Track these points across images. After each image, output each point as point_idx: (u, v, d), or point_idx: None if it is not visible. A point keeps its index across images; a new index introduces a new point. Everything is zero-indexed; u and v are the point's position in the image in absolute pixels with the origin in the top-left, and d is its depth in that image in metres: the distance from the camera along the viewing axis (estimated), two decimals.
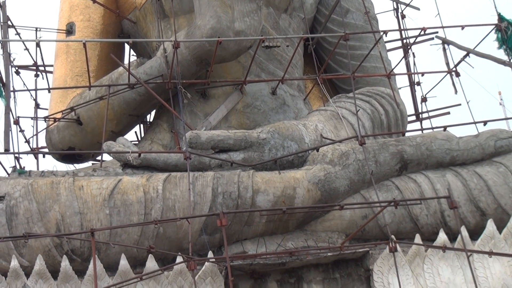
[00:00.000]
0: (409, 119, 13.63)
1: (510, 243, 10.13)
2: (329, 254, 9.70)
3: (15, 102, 12.07)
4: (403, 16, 14.93)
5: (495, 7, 12.42)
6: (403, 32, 14.39)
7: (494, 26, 12.29)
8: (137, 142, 13.73)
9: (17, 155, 11.25)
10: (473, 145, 11.16)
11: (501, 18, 12.31)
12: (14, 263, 8.97)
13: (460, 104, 13.13)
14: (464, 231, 9.84)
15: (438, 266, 9.82)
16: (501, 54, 12.32)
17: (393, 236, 9.64)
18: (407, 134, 12.09)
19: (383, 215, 10.05)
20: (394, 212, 10.35)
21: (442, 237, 9.91)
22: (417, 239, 9.89)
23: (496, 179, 10.67)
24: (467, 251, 9.45)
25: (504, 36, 12.24)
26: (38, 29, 14.35)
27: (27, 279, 8.98)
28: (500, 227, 10.24)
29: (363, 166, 10.47)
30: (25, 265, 9.09)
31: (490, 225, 10.16)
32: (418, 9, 14.72)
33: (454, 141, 11.18)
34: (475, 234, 10.18)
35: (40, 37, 14.20)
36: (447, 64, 13.02)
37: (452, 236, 10.05)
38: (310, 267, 9.93)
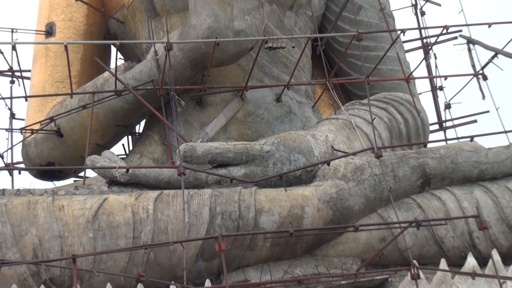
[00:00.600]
0: (431, 128, 13.67)
1: None
2: (342, 282, 9.60)
3: None
4: (423, 13, 15.02)
5: None
6: (423, 30, 14.39)
7: None
8: (124, 156, 13.77)
9: None
10: (504, 157, 11.11)
11: None
12: None
13: (488, 111, 13.21)
14: (495, 255, 9.69)
15: None
16: None
17: (415, 261, 9.50)
18: (429, 145, 12.00)
19: (404, 237, 9.95)
20: (416, 234, 10.29)
21: (471, 262, 9.77)
22: (443, 264, 9.77)
23: None
24: (500, 278, 9.29)
25: None
26: (14, 30, 14.38)
27: None
28: None
29: (380, 182, 10.43)
30: None
31: None
32: (440, 5, 14.86)
33: (483, 152, 11.13)
34: (508, 258, 10.12)
35: (16, 39, 14.20)
36: (473, 66, 13.01)
37: (482, 260, 9.95)
38: None
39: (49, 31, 14.01)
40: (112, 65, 14.11)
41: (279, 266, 10.08)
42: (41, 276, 9.19)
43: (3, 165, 13.04)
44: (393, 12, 14.89)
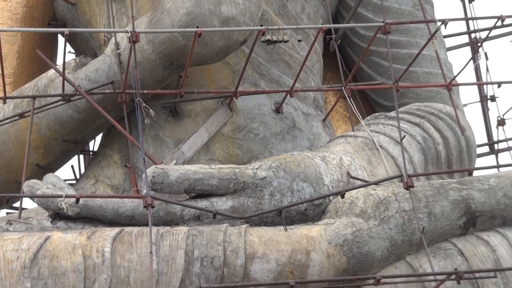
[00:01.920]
0: (480, 150, 13.78)
1: None
2: None
3: None
4: (471, 0, 15.12)
5: None
6: (470, 22, 14.67)
7: None
8: (74, 182, 13.79)
9: None
10: None
11: None
12: None
13: None
14: None
15: None
16: None
17: None
18: (476, 172, 12.02)
19: None
20: None
21: None
22: None
23: None
24: None
25: None
26: None
27: None
28: None
29: (410, 221, 10.48)
30: None
31: None
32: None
33: None
34: None
35: None
36: None
37: None
38: None
39: None
40: (60, 61, 14.29)
41: None
42: None
43: None
44: None
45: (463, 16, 14.89)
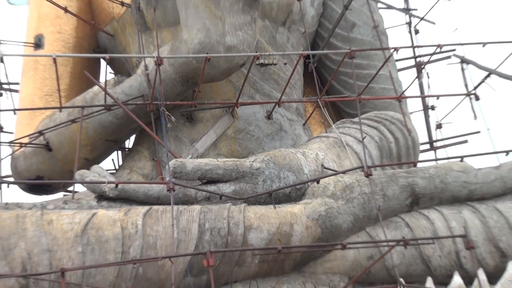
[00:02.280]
0: (422, 147, 13.84)
1: None
2: None
3: None
4: (417, 32, 15.22)
5: None
6: (416, 49, 14.57)
7: None
8: (114, 172, 13.84)
9: None
10: (493, 178, 11.29)
11: None
12: None
13: (479, 132, 13.38)
14: (481, 275, 9.90)
15: None
16: None
17: (401, 279, 9.72)
18: (419, 164, 12.26)
19: (391, 256, 10.13)
20: (403, 253, 10.43)
21: (457, 281, 9.99)
22: (429, 282, 9.99)
23: None
24: None
25: None
26: (2, 42, 14.45)
27: None
28: None
29: (369, 201, 10.57)
30: None
31: (511, 268, 10.26)
32: (434, 23, 14.80)
33: (472, 173, 11.30)
34: (494, 277, 10.20)
35: (4, 51, 14.19)
36: (466, 86, 13.11)
37: (468, 279, 10.12)
38: None
39: (38, 44, 13.99)
40: (102, 79, 14.26)
41: (267, 282, 10.11)
42: None
43: None
44: (386, 30, 14.92)
45: (410, 44, 14.88)
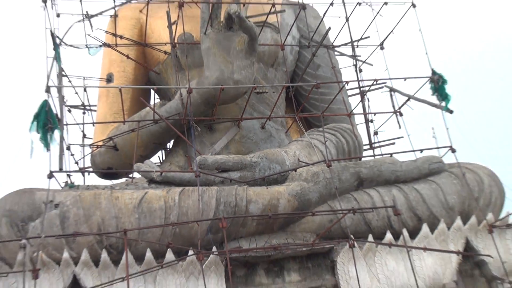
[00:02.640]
0: (365, 147, 13.60)
1: (439, 241, 10.31)
2: (303, 249, 9.80)
3: (67, 133, 12.12)
4: (361, 70, 14.97)
5: (429, 64, 12.63)
6: (360, 82, 14.43)
7: (428, 78, 12.43)
8: (159, 164, 13.61)
9: (68, 173, 11.33)
10: (412, 168, 11.28)
11: (433, 72, 12.47)
12: (66, 254, 9.05)
13: (402, 137, 13.16)
14: (405, 232, 10.01)
15: (385, 259, 9.96)
16: (434, 99, 12.46)
17: (352, 236, 9.77)
18: (363, 159, 12.17)
19: (345, 220, 10.16)
20: (352, 218, 10.40)
21: (388, 236, 10.06)
22: (370, 238, 10.04)
23: (429, 193, 10.82)
24: (407, 247, 9.67)
25: (436, 86, 12.36)
26: (85, 78, 14.40)
27: (75, 266, 9.04)
28: (432, 229, 10.40)
29: (329, 183, 10.51)
30: (74, 256, 9.13)
31: (425, 228, 10.33)
32: (372, 65, 14.76)
33: (398, 164, 11.27)
34: (413, 234, 10.31)
35: (87, 84, 14.30)
36: (393, 106, 13.17)
37: (396, 236, 10.18)
38: (289, 258, 10.01)
39: (109, 79, 13.89)
40: (152, 102, 14.24)
41: (262, 238, 10.09)
42: (103, 243, 9.32)
43: (78, 169, 13.19)
44: (340, 69, 14.80)
45: (356, 79, 14.68)
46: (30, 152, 9.87)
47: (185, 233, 9.60)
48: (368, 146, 14.32)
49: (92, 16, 13.63)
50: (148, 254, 9.16)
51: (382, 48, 14.10)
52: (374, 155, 13.16)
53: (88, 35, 13.44)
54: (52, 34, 11.80)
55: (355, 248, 9.68)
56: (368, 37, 14.35)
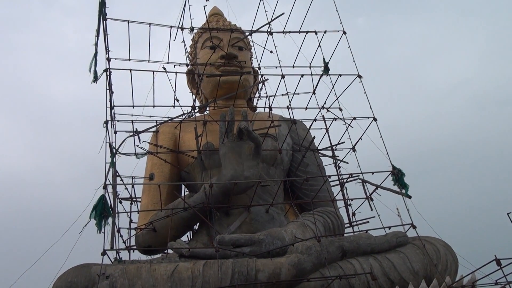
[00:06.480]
0: (346, 226, 13.31)
1: None
2: None
3: (118, 219, 12.02)
4: (339, 167, 14.80)
5: (390, 161, 12.75)
6: (339, 176, 14.26)
7: (390, 172, 12.53)
8: (187, 242, 13.24)
9: (118, 250, 11.16)
10: (383, 241, 10.97)
11: (393, 167, 12.62)
12: None
13: (374, 217, 12.88)
14: None
15: None
16: (396, 188, 12.45)
17: None
18: (345, 235, 11.96)
19: (333, 285, 9.83)
20: (339, 283, 10.04)
21: None
22: None
23: (399, 261, 10.47)
24: None
25: (397, 178, 12.45)
26: (133, 177, 14.40)
27: None
28: None
29: (320, 255, 10.26)
30: None
31: None
32: (347, 163, 14.51)
33: (372, 238, 11.00)
34: None
35: (134, 182, 14.30)
36: (366, 193, 13.10)
37: None
38: None
39: (151, 177, 13.82)
40: (182, 194, 14.19)
41: None
42: None
43: (125, 247, 12.83)
44: (324, 166, 14.73)
45: (336, 173, 14.40)
46: (98, 231, 9.97)
47: None
48: (348, 225, 14.04)
49: (140, 132, 14.01)
50: None
51: (354, 150, 14.24)
52: (353, 232, 12.94)
53: (137, 145, 13.78)
54: (111, 146, 12.11)
55: None
56: (343, 142, 14.56)
